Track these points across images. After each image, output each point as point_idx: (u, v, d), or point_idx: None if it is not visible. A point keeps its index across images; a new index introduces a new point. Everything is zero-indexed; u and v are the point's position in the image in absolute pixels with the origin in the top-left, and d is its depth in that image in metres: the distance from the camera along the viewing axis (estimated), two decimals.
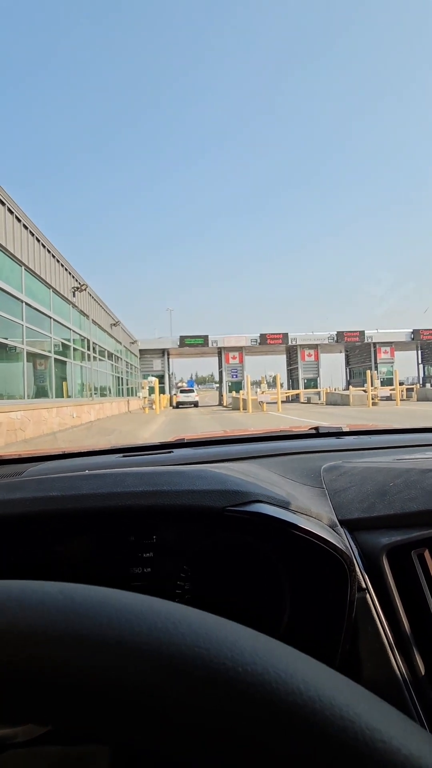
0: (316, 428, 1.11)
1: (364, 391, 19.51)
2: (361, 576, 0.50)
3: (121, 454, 0.91)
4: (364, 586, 0.50)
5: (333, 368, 40.10)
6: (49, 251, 10.19)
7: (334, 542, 0.48)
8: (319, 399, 26.31)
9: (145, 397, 20.73)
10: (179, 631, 0.18)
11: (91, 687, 0.17)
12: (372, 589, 0.50)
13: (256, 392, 20.12)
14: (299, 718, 0.16)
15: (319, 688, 0.17)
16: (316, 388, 30.20)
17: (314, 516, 0.53)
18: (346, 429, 1.12)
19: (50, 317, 10.29)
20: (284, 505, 0.51)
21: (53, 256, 10.54)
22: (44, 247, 9.89)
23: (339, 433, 1.08)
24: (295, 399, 29.43)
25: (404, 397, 20.34)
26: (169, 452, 0.89)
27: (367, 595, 0.49)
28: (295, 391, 28.59)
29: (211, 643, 0.18)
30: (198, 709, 0.17)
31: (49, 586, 0.20)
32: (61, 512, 0.50)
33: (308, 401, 27.15)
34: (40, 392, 9.86)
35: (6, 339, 7.94)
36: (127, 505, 0.50)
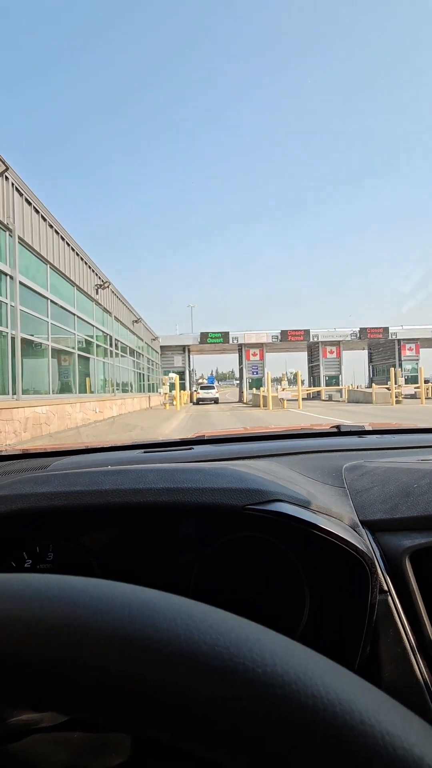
0: (338, 426, 1.10)
1: (388, 388, 19.09)
2: (382, 578, 0.49)
3: (143, 450, 0.92)
4: (385, 588, 0.49)
5: (355, 365, 39.42)
6: (73, 249, 10.38)
7: (356, 543, 0.47)
8: (341, 396, 25.91)
9: (165, 393, 20.90)
10: (199, 630, 0.19)
11: (111, 680, 0.17)
12: (394, 592, 0.49)
13: (277, 389, 19.98)
14: (318, 721, 0.16)
15: (339, 692, 0.17)
16: (338, 385, 29.76)
17: (335, 516, 0.53)
18: (368, 428, 1.10)
19: (74, 314, 10.50)
20: (305, 505, 0.51)
21: (77, 254, 10.73)
22: (68, 245, 10.08)
23: (361, 432, 1.06)
24: (316, 396, 29.07)
25: (429, 395, 19.78)
26: (190, 449, 0.89)
27: (389, 598, 0.48)
28: (317, 389, 28.23)
29: (230, 642, 0.18)
30: (216, 708, 0.17)
31: (76, 581, 0.21)
32: (85, 507, 0.51)
33: (330, 399, 26.80)
34: (65, 388, 10.08)
35: (32, 335, 8.15)
36: (148, 501, 0.50)
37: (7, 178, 7.10)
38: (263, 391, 19.42)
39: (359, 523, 0.55)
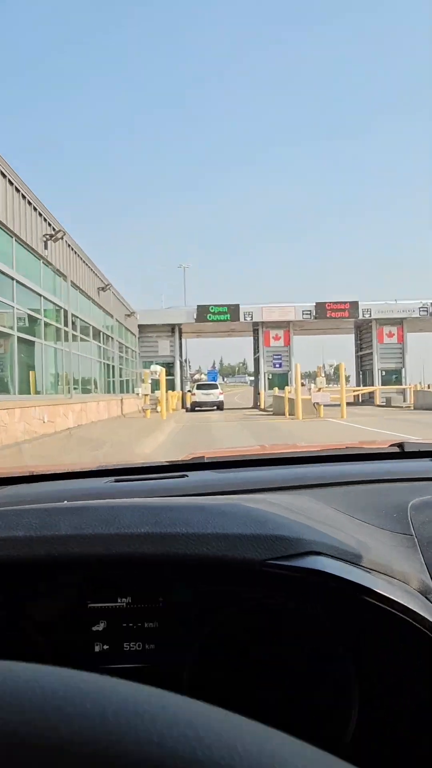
0: (400, 445, 1.10)
1: None
2: None
3: (114, 478, 0.93)
4: None
5: (426, 355, 39.40)
6: (11, 183, 10.40)
7: (427, 617, 0.47)
8: (405, 400, 25.96)
9: (146, 395, 20.98)
10: (199, 736, 0.19)
11: None
12: None
13: (309, 389, 20.01)
14: None
15: None
16: (400, 383, 29.82)
17: (398, 577, 0.53)
18: None
19: (12, 278, 10.53)
20: (352, 560, 0.51)
21: (17, 190, 10.75)
22: (5, 177, 10.10)
23: None
24: (368, 400, 29.12)
25: None
26: (183, 476, 0.90)
27: None
28: (369, 389, 28.32)
29: (242, 764, 0.18)
30: None
31: (22, 668, 0.21)
32: (30, 560, 0.51)
33: (387, 403, 26.83)
34: None
35: None
36: (122, 552, 0.51)
37: None
38: (290, 392, 19.45)
39: None
